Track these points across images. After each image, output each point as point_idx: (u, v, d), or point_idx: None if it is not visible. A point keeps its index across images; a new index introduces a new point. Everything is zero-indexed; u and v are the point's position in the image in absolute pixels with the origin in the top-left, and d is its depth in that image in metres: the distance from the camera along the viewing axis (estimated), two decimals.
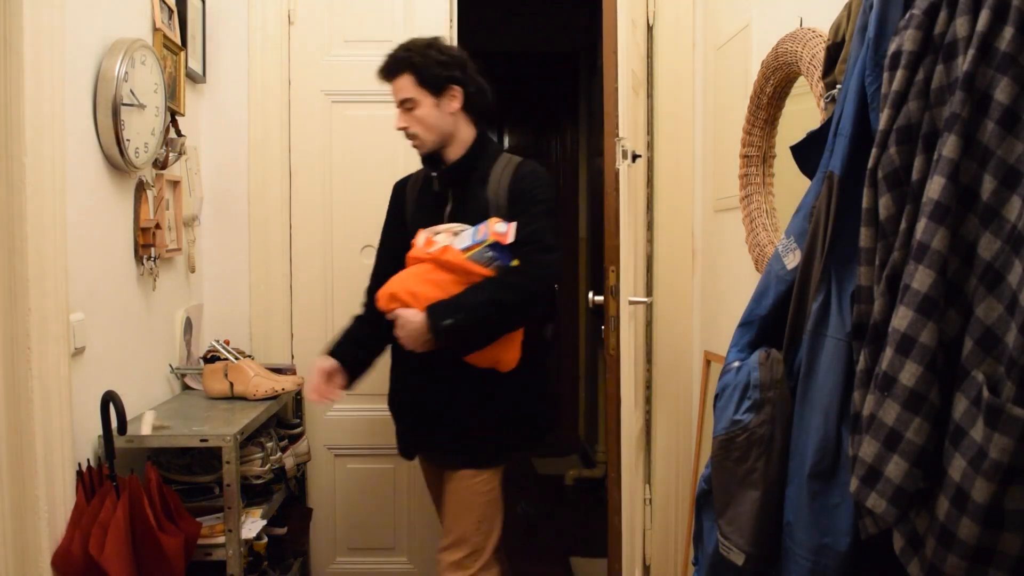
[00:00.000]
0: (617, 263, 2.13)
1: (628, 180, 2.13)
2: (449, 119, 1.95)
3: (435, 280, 1.87)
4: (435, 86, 1.91)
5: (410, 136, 1.97)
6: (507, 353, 1.92)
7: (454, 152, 2.00)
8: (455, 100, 1.94)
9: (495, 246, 1.85)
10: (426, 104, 1.92)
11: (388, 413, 2.70)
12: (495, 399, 1.95)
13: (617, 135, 2.10)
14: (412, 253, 1.94)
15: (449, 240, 1.91)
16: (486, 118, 2.05)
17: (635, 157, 2.20)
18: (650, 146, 2.74)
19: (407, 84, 1.92)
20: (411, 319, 1.83)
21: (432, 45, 1.94)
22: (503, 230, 1.86)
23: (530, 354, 1.96)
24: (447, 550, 1.98)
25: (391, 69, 1.94)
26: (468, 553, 1.95)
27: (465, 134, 2.00)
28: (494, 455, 1.99)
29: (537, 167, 2.00)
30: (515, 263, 1.87)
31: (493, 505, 1.99)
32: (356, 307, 2.72)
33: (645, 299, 2.54)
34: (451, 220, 1.97)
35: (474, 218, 1.92)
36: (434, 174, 2.02)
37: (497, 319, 1.86)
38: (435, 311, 1.81)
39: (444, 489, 2.02)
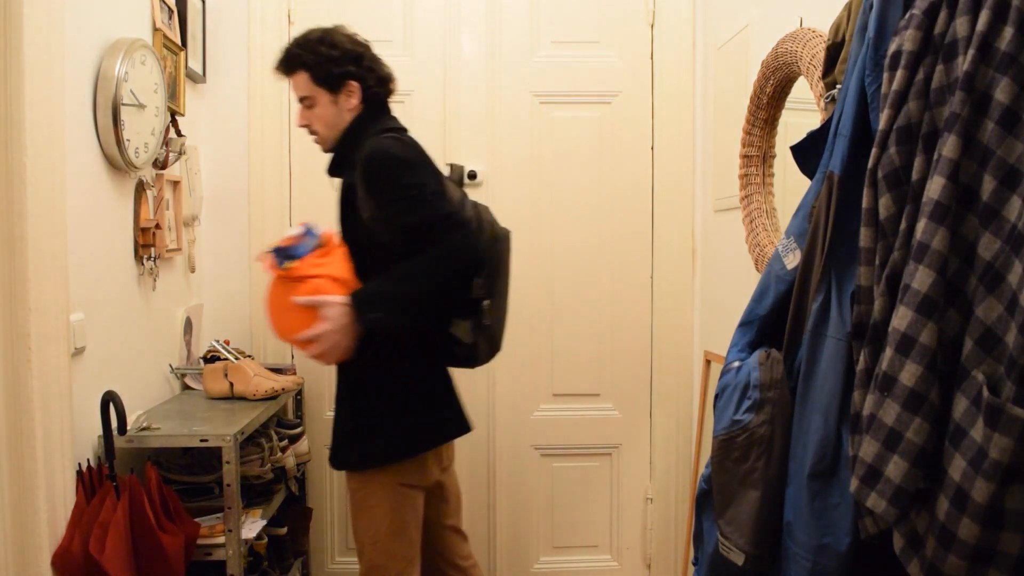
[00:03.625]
0: None
1: None
2: (348, 115, 1.85)
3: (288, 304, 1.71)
4: (330, 83, 1.83)
5: (311, 133, 1.90)
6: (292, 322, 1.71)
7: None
8: (353, 96, 1.84)
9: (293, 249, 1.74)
10: (323, 102, 1.84)
11: None
12: (361, 400, 1.80)
13: None
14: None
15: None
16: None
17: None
18: (651, 146, 2.74)
19: (303, 81, 1.85)
20: (337, 314, 1.65)
21: (324, 40, 1.84)
22: (296, 232, 1.77)
23: (425, 355, 1.81)
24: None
25: (285, 66, 1.86)
26: (366, 571, 1.81)
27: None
28: (358, 459, 1.80)
29: (377, 147, 1.73)
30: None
31: (385, 522, 1.78)
32: None
33: None
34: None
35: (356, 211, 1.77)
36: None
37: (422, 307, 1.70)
38: (360, 301, 1.66)
39: None
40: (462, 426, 1.90)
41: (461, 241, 1.67)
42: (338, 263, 1.77)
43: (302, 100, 1.87)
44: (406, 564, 1.81)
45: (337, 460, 1.85)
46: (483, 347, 1.81)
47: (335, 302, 1.67)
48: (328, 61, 1.82)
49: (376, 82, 1.87)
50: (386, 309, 1.67)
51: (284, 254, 1.75)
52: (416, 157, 1.76)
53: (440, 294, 1.70)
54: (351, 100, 1.85)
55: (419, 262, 1.66)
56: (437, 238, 1.66)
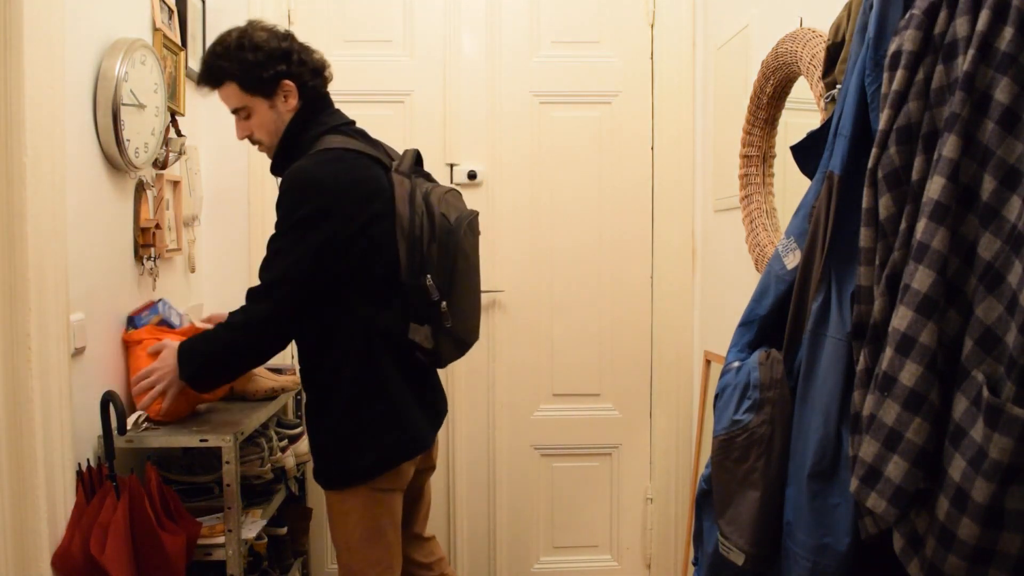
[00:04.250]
0: None
1: None
2: (289, 116, 1.75)
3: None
4: (263, 88, 1.72)
5: (255, 143, 1.81)
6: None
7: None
8: (290, 96, 1.74)
9: None
10: (260, 109, 1.74)
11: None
12: (332, 415, 1.72)
13: None
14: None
15: None
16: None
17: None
18: (651, 146, 2.74)
19: (233, 93, 1.74)
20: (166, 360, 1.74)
21: (244, 44, 1.71)
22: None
23: (388, 361, 1.71)
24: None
25: (210, 80, 1.76)
26: None
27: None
28: (337, 478, 1.74)
29: (300, 170, 1.66)
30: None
31: (359, 528, 1.73)
32: None
33: None
34: None
35: None
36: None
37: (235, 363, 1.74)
38: (183, 352, 1.72)
39: None
40: (435, 428, 1.87)
41: (262, 314, 1.65)
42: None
43: (236, 112, 1.78)
44: (383, 569, 1.76)
45: (321, 478, 1.77)
46: (447, 349, 1.74)
47: (169, 345, 1.76)
48: (255, 66, 1.71)
49: (311, 75, 1.77)
50: (201, 367, 1.71)
51: (130, 322, 2.01)
52: (330, 184, 1.65)
53: (251, 357, 1.72)
54: (290, 101, 1.75)
55: (231, 325, 1.69)
56: (257, 297, 1.66)
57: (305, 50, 1.78)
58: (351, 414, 1.70)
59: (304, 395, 1.83)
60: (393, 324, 1.70)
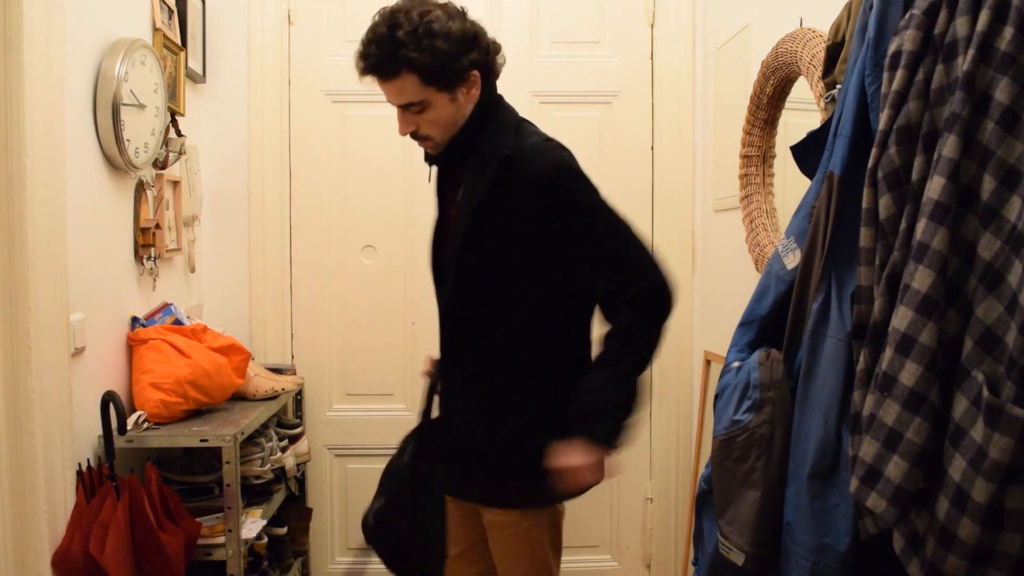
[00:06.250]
0: None
1: None
2: (468, 108, 1.52)
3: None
4: (449, 81, 1.46)
5: (420, 138, 1.54)
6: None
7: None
8: (474, 86, 1.50)
9: None
10: (439, 103, 1.47)
11: (388, 413, 2.71)
12: (526, 419, 1.53)
13: None
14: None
15: None
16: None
17: None
18: (651, 146, 2.74)
19: (410, 85, 1.45)
20: (579, 460, 1.42)
21: (431, 30, 1.42)
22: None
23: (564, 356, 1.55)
24: None
25: (385, 70, 1.45)
26: None
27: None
28: (529, 498, 1.55)
29: (563, 160, 1.53)
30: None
31: (551, 551, 1.60)
32: (356, 306, 2.73)
33: None
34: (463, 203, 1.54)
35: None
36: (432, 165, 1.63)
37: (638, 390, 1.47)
38: (594, 433, 1.42)
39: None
40: None
41: (659, 311, 1.46)
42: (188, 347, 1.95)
43: (408, 106, 1.49)
44: None
45: (496, 497, 1.55)
46: None
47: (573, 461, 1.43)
48: (447, 58, 1.43)
49: (494, 58, 1.54)
50: (614, 422, 1.44)
51: (138, 321, 2.03)
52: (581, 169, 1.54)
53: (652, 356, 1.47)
54: (472, 91, 1.50)
55: (620, 355, 1.44)
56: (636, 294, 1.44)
57: (483, 30, 1.52)
58: (555, 411, 1.50)
59: (473, 403, 1.57)
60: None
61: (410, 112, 1.50)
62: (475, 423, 1.55)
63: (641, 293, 1.46)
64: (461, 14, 1.49)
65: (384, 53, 1.43)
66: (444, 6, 1.48)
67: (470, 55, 1.47)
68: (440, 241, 1.65)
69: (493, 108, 1.55)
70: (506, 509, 1.57)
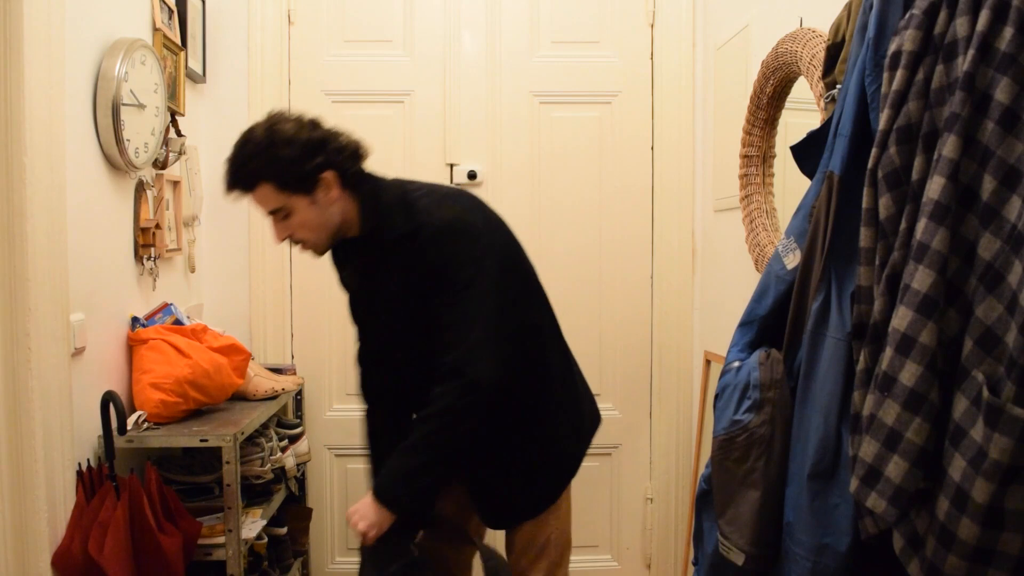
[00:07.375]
0: None
1: None
2: (334, 208, 1.60)
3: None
4: (303, 185, 1.55)
5: (298, 243, 1.64)
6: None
7: (353, 230, 1.66)
8: (332, 187, 1.57)
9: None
10: (300, 207, 1.56)
11: None
12: (511, 448, 1.74)
13: None
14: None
15: None
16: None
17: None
18: (651, 146, 2.74)
19: (269, 194, 1.56)
20: (366, 512, 1.59)
21: (275, 141, 1.53)
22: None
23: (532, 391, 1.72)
24: None
25: (242, 183, 1.56)
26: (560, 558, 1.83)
27: (354, 206, 1.64)
28: (540, 501, 1.80)
29: (449, 221, 1.59)
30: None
31: (569, 513, 1.86)
32: None
33: None
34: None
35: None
36: (356, 258, 1.73)
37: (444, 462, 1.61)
38: (384, 490, 1.59)
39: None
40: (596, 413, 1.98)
41: (475, 396, 1.55)
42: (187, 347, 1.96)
43: (274, 213, 1.59)
44: None
45: (521, 513, 1.77)
46: None
47: (359, 507, 1.61)
48: (292, 163, 1.53)
49: (350, 159, 1.61)
50: (406, 490, 1.59)
51: (138, 321, 2.03)
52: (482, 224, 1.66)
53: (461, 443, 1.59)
54: (331, 192, 1.58)
55: (424, 431, 1.56)
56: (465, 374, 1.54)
57: (337, 134, 1.61)
58: (532, 430, 1.75)
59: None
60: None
61: (279, 220, 1.60)
62: (493, 468, 1.73)
63: (457, 383, 1.54)
64: (312, 124, 1.59)
65: (239, 168, 1.57)
66: (296, 119, 1.59)
67: (316, 159, 1.55)
68: (370, 328, 1.81)
69: (371, 198, 1.64)
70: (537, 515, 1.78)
